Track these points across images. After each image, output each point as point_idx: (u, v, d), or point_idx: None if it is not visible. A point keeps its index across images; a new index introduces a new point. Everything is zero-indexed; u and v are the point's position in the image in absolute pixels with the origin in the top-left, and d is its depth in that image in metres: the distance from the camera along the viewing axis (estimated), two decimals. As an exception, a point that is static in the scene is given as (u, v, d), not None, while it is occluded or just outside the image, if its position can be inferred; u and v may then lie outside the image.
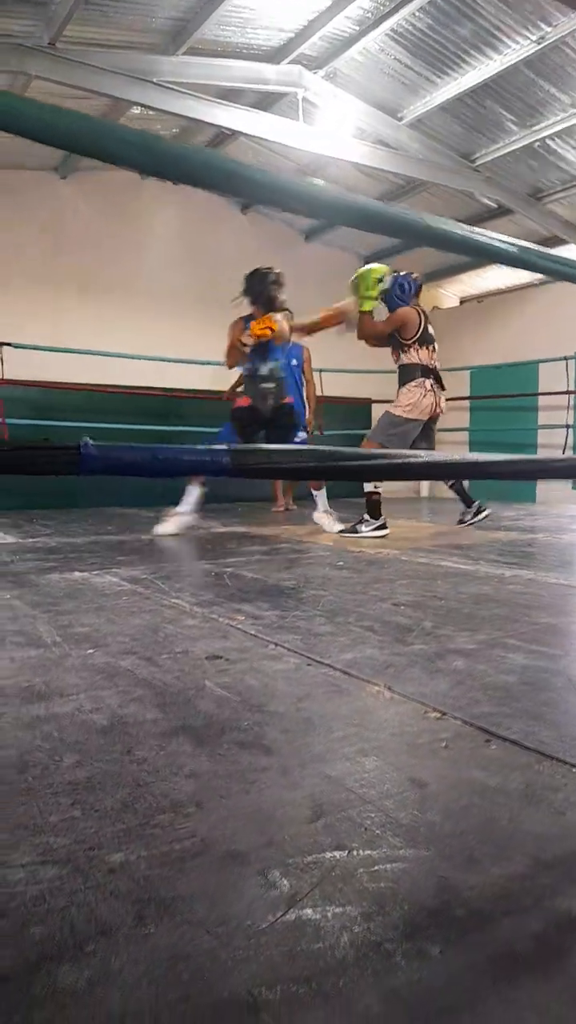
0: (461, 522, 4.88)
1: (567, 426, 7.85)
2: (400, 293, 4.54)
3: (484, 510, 4.87)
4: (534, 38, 4.83)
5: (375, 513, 4.36)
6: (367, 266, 4.56)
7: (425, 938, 0.70)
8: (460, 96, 5.62)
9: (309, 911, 0.74)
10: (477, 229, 1.31)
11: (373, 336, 4.56)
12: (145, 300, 7.63)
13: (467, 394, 8.70)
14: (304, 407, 6.06)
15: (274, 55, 5.65)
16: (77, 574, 2.91)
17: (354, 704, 1.38)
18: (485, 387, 8.69)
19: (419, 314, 4.49)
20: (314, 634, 1.93)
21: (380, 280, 4.40)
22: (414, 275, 4.72)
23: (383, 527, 4.36)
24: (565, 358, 7.60)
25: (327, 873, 0.81)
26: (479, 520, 4.86)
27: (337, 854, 0.85)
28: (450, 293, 9.76)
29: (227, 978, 0.66)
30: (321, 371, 6.99)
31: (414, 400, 4.41)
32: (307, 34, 5.30)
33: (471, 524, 4.84)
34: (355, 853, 0.85)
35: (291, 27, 5.35)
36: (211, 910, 0.75)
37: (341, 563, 3.28)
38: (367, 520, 4.35)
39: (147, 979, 0.65)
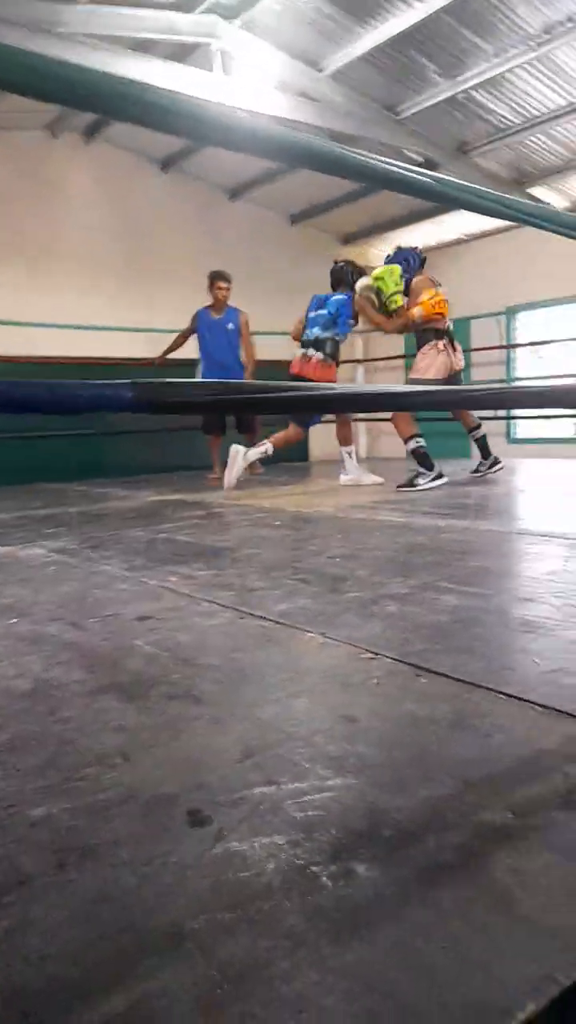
0: (476, 472, 5.13)
1: (501, 382, 7.98)
2: (407, 267, 4.85)
3: (499, 463, 5.13)
4: (453, -16, 4.76)
5: (428, 464, 4.62)
6: (381, 268, 4.81)
7: (352, 858, 0.70)
8: (382, 46, 5.52)
9: (236, 844, 0.74)
10: (434, 173, 1.28)
11: (410, 326, 4.74)
12: (61, 264, 7.33)
13: (402, 353, 8.73)
14: (241, 369, 6.05)
15: (186, 3, 5.43)
16: (1, 549, 2.82)
17: (287, 652, 1.38)
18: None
19: (432, 282, 4.80)
20: (248, 589, 1.92)
21: (403, 276, 4.74)
22: (416, 247, 5.10)
23: (440, 476, 4.61)
24: (495, 313, 7.69)
25: (255, 807, 0.81)
26: (493, 472, 5.09)
27: (266, 789, 0.85)
28: (380, 251, 9.73)
29: (152, 914, 0.64)
30: (253, 334, 6.90)
31: (430, 361, 4.68)
32: (221, -20, 5.11)
33: (484, 474, 5.08)
34: (284, 787, 0.85)
35: (204, -27, 5.15)
36: (136, 852, 0.73)
37: (278, 523, 3.27)
38: (424, 473, 4.59)
39: (69, 922, 0.64)
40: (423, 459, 4.66)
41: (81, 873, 0.70)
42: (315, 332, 4.92)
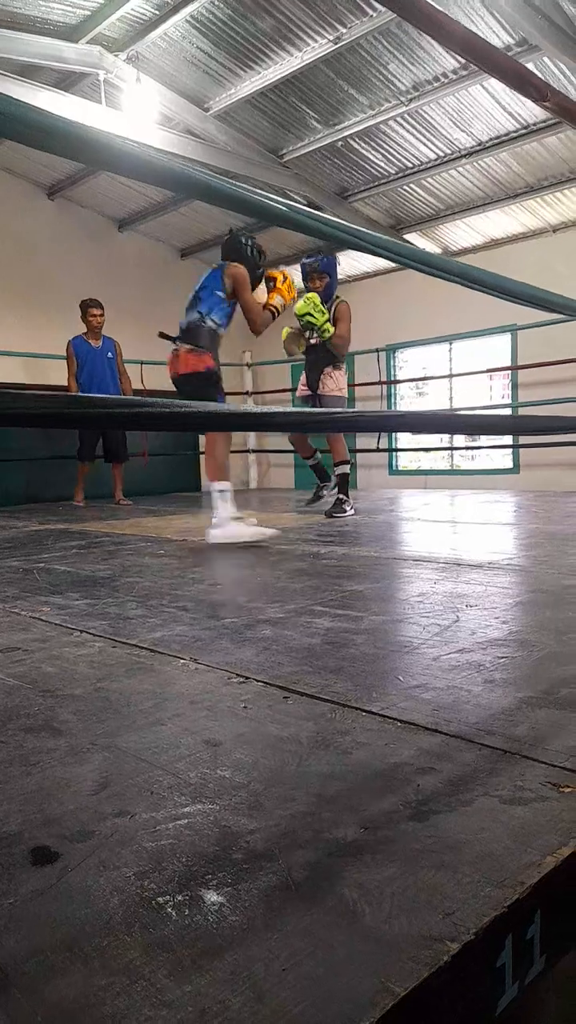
0: (318, 497, 4.99)
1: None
2: (335, 277, 4.81)
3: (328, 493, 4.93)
4: (331, 38, 5.01)
5: (346, 491, 4.73)
6: (301, 302, 4.49)
7: (200, 885, 0.68)
8: (264, 90, 5.71)
9: (80, 879, 0.70)
10: (324, 215, 1.31)
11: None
12: None
13: (289, 386, 8.91)
14: None
15: (71, 33, 5.42)
16: None
17: (156, 679, 1.34)
18: (305, 379, 8.95)
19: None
20: (124, 618, 1.87)
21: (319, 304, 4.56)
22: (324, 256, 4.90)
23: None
24: (376, 350, 8.02)
25: (104, 840, 0.77)
26: (321, 499, 4.92)
27: (118, 820, 0.81)
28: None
29: (-22, 963, 0.59)
30: (142, 363, 6.85)
31: (343, 383, 4.77)
32: (105, 13, 5.14)
33: (314, 502, 4.95)
34: (137, 817, 0.82)
35: (88, 4, 5.16)
36: (-31, 897, 0.68)
37: (162, 552, 3.22)
38: (346, 500, 4.66)
39: None
40: (345, 484, 4.75)
41: None
42: (182, 317, 3.79)
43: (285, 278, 3.82)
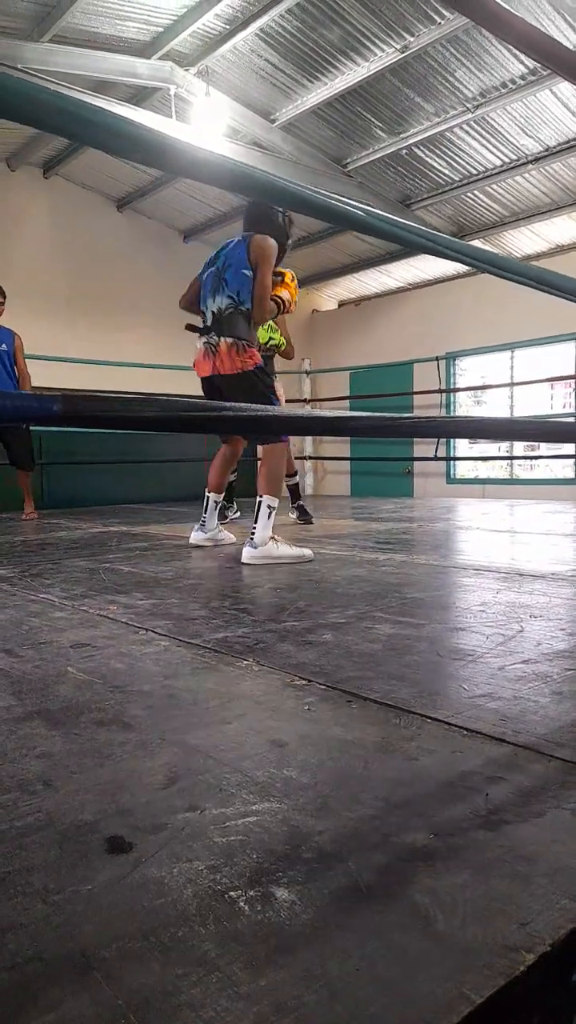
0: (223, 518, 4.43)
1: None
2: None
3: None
4: (398, 47, 5.02)
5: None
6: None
7: (271, 882, 0.69)
8: (330, 100, 5.75)
9: (154, 870, 0.72)
10: (399, 219, 1.31)
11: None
12: (11, 292, 7.28)
13: (347, 394, 8.92)
14: None
15: (145, 49, 5.57)
16: None
17: (221, 678, 1.36)
18: (364, 387, 8.94)
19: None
20: (187, 618, 1.90)
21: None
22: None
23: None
24: (436, 358, 7.94)
25: (176, 833, 0.79)
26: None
27: (189, 815, 0.83)
28: (328, 296, 9.97)
29: (60, 943, 0.62)
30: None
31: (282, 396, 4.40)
32: (177, 30, 5.27)
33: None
34: (207, 812, 0.83)
35: (161, 22, 5.30)
36: (49, 880, 0.71)
37: (223, 554, 3.26)
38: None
39: (-30, 955, 0.60)
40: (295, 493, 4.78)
41: (-12, 903, 0.67)
42: (209, 305, 3.23)
43: (293, 277, 3.57)
